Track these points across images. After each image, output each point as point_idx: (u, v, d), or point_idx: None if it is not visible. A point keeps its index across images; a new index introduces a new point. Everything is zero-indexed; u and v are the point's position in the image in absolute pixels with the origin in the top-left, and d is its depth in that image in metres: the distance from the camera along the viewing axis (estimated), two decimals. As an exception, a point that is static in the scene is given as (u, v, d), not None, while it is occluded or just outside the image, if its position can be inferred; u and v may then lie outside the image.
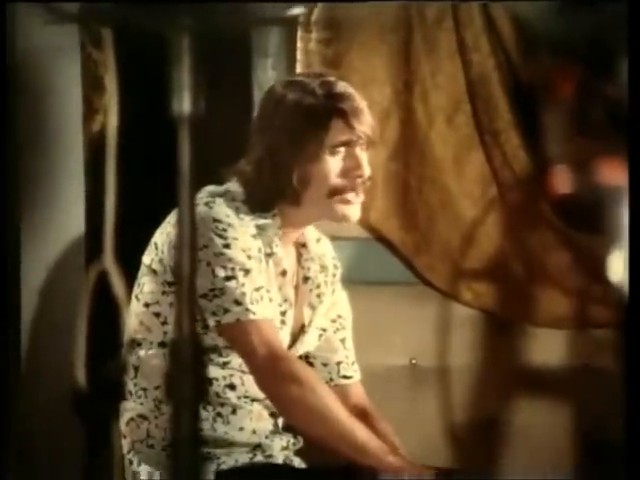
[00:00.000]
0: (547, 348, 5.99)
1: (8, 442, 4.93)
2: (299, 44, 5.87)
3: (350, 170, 4.97)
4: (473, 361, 6.01)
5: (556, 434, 6.07)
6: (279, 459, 4.94)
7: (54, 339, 5.31)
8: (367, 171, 5.00)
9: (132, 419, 4.88)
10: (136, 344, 4.79)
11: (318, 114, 4.94)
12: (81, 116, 5.56)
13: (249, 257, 4.82)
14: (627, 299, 3.71)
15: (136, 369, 4.82)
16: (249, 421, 4.93)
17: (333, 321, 5.15)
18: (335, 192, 4.98)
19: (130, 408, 4.85)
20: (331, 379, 5.12)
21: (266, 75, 5.72)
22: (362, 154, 4.97)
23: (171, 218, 4.69)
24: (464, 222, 5.96)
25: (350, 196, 5.02)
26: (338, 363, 5.16)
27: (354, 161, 4.97)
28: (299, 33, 5.85)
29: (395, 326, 5.88)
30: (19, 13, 5.00)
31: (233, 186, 4.88)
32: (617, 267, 3.51)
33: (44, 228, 5.59)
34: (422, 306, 5.94)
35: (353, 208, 5.04)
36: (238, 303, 4.76)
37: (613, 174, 3.65)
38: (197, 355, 3.32)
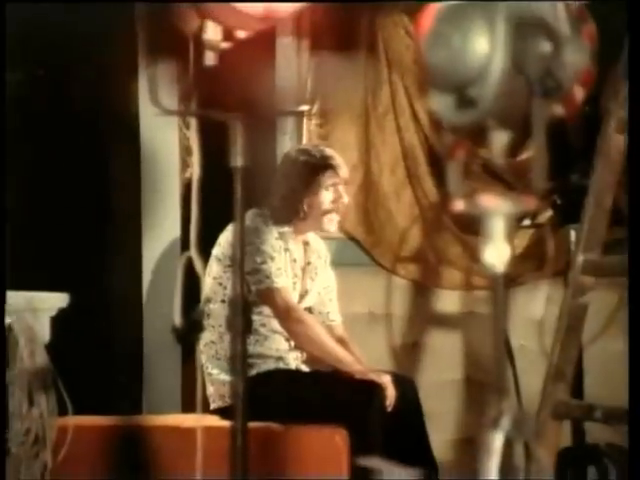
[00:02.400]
0: (448, 301, 5.96)
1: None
2: (305, 126, 5.91)
3: (336, 201, 5.19)
4: (406, 310, 5.97)
5: (455, 350, 5.95)
6: (292, 366, 5.15)
7: (165, 296, 4.62)
8: (346, 200, 5.23)
9: (206, 343, 4.98)
10: (208, 300, 4.88)
11: (317, 167, 5.18)
12: (178, 168, 5.61)
13: (274, 251, 4.98)
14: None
15: (209, 315, 4.93)
16: (274, 344, 5.06)
17: (324, 288, 5.33)
18: (326, 212, 5.18)
19: (206, 337, 4.97)
20: (323, 321, 5.25)
21: (285, 144, 5.76)
22: (343, 191, 5.21)
23: (229, 228, 4.84)
24: (400, 229, 5.95)
25: (334, 215, 5.20)
26: (327, 312, 5.32)
27: (338, 194, 5.20)
28: (305, 120, 5.85)
29: (360, 289, 5.89)
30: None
31: (266, 210, 5.04)
32: (488, 255, 3.03)
33: (158, 234, 5.59)
34: (376, 277, 5.96)
35: (335, 223, 5.23)
36: (267, 277, 4.93)
37: (488, 202, 3.46)
38: (244, 307, 3.42)
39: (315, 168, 5.16)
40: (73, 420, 4.38)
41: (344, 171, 5.22)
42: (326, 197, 5.16)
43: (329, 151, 5.29)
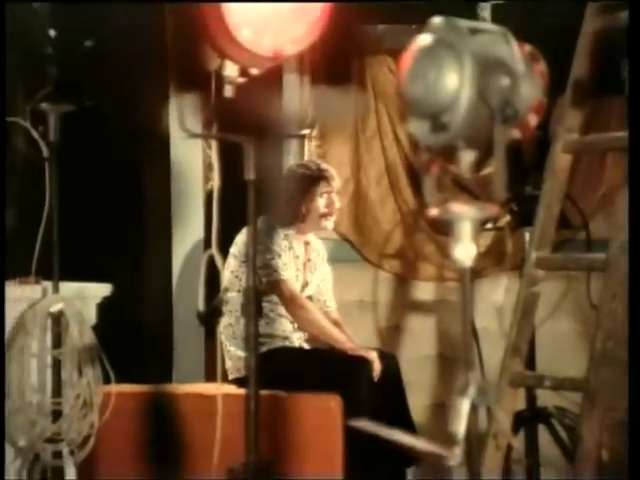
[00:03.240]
0: (424, 291, 5.91)
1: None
2: (306, 146, 5.84)
3: (329, 205, 5.17)
4: (389, 298, 5.92)
5: (430, 331, 5.90)
6: (296, 344, 5.14)
7: (191, 287, 4.57)
8: (337, 205, 5.21)
9: (225, 325, 4.96)
10: (227, 290, 4.88)
11: (312, 179, 5.16)
12: (202, 181, 5.55)
13: (280, 249, 4.97)
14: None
15: (227, 302, 4.93)
16: (281, 326, 5.04)
17: (322, 280, 5.30)
18: (323, 216, 5.17)
19: (224, 320, 4.97)
20: (321, 307, 5.23)
21: (289, 161, 5.72)
22: (335, 198, 5.19)
23: (243, 230, 4.80)
24: (384, 231, 5.91)
25: (330, 218, 5.18)
26: (325, 300, 5.30)
27: (331, 201, 5.18)
28: (306, 141, 5.79)
29: (352, 281, 5.83)
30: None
31: (273, 216, 5.01)
32: (458, 252, 3.03)
33: (185, 235, 5.56)
34: (364, 271, 5.91)
35: (330, 224, 5.22)
36: (275, 271, 4.92)
37: (457, 209, 3.39)
38: (256, 295, 3.41)
39: (311, 179, 5.14)
40: (115, 388, 4.34)
41: (336, 182, 5.20)
42: (321, 203, 5.13)
43: (323, 165, 5.27)
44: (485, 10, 4.17)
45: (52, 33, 3.99)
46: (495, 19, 4.20)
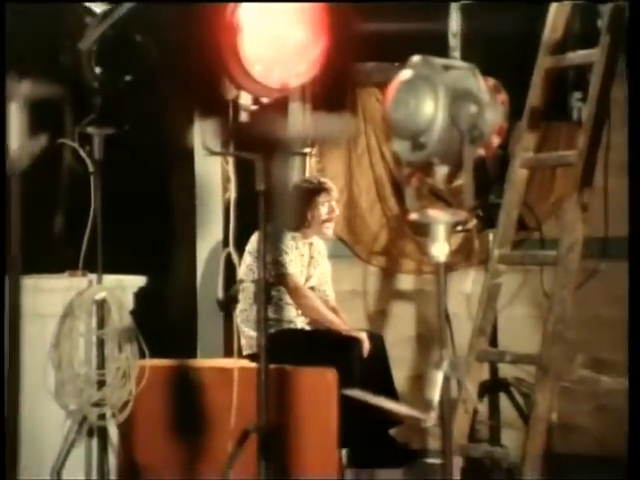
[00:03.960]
0: (406, 282, 5.87)
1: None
2: (307, 162, 5.78)
3: (330, 212, 5.14)
4: (376, 288, 5.90)
5: (410, 316, 5.86)
6: (299, 326, 5.08)
7: (212, 278, 5.08)
8: (337, 212, 5.19)
9: (241, 310, 4.90)
10: (242, 281, 4.81)
11: (315, 190, 5.14)
12: (221, 191, 5.48)
13: (288, 248, 4.94)
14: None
15: (242, 291, 4.87)
16: (287, 312, 5.00)
17: (322, 273, 5.26)
18: (324, 222, 5.13)
19: (240, 306, 4.91)
20: (321, 296, 5.18)
21: (293, 174, 5.60)
22: (335, 205, 5.16)
23: (256, 232, 4.67)
24: (372, 233, 5.89)
25: (330, 224, 5.15)
26: (324, 290, 5.25)
27: (331, 208, 5.15)
28: (307, 158, 5.73)
29: (346, 274, 5.79)
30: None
31: (282, 222, 5.01)
32: (433, 250, 3.09)
33: (208, 236, 5.51)
34: (356, 266, 5.89)
35: (330, 229, 5.18)
36: (283, 266, 4.89)
37: (433, 214, 3.28)
38: (266, 286, 3.45)
39: (314, 191, 5.12)
40: (149, 362, 4.35)
41: (334, 193, 5.19)
42: (322, 210, 5.10)
43: (323, 179, 5.28)
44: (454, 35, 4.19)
45: (97, 70, 4.00)
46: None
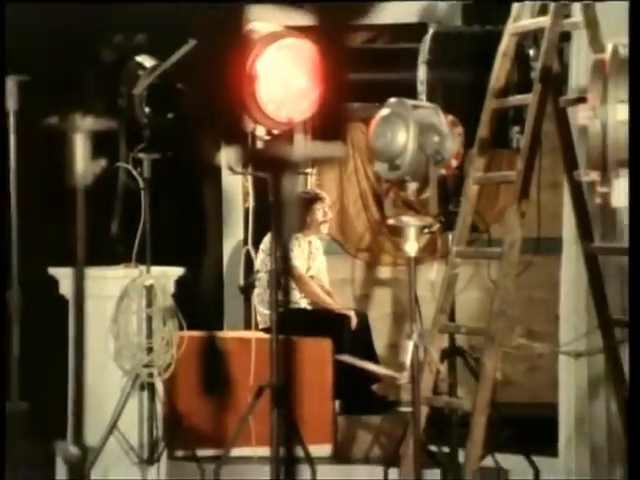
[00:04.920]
0: (385, 272, 5.82)
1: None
2: (309, 179, 5.64)
3: (324, 216, 5.09)
4: (362, 277, 5.82)
5: (388, 298, 5.82)
6: (302, 306, 5.04)
7: (235, 269, 4.94)
8: (330, 216, 5.15)
9: (257, 294, 4.84)
10: (258, 271, 4.73)
11: (313, 200, 5.08)
12: (241, 202, 5.25)
13: (293, 246, 4.88)
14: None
15: (258, 279, 4.78)
16: (292, 295, 4.92)
17: (319, 265, 5.20)
18: (320, 224, 5.08)
19: (256, 291, 4.85)
20: (318, 283, 5.13)
21: (298, 189, 5.35)
22: (328, 211, 5.12)
23: (268, 234, 4.71)
24: (359, 234, 5.80)
25: (324, 225, 5.11)
26: (321, 278, 5.19)
27: (325, 214, 5.10)
28: (308, 176, 5.57)
29: (338, 266, 5.66)
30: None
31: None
32: (407, 247, 3.10)
33: (231, 236, 5.37)
34: (346, 260, 5.77)
35: (325, 230, 5.15)
36: (289, 260, 4.71)
37: (406, 220, 3.13)
38: (277, 275, 3.46)
39: (312, 200, 5.08)
40: (186, 333, 4.31)
41: (327, 201, 5.16)
42: (319, 215, 5.07)
43: (318, 191, 5.25)
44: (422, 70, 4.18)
45: (147, 110, 4.01)
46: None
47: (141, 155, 4.14)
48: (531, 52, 3.83)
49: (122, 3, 3.73)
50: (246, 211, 5.06)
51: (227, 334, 4.93)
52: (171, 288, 4.48)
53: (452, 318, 4.01)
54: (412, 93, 3.99)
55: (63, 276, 4.15)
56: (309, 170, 5.19)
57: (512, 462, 4.10)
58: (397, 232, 3.85)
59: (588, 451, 4.12)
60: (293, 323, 4.86)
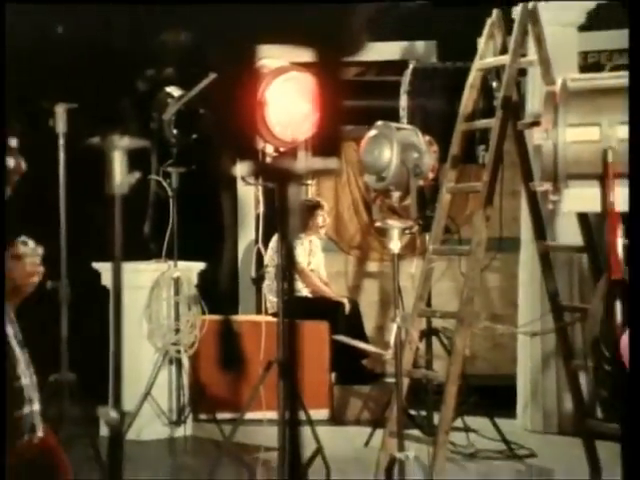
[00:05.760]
0: (373, 266, 5.75)
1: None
2: (309, 189, 5.55)
3: (323, 220, 5.06)
4: (353, 271, 5.78)
5: (375, 288, 5.74)
6: (304, 294, 4.98)
7: (248, 264, 4.91)
8: (328, 220, 5.13)
9: (266, 285, 4.86)
10: (267, 266, 4.74)
11: (313, 206, 5.04)
12: (254, 207, 5.12)
13: (297, 245, 4.79)
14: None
15: (267, 272, 4.80)
16: (296, 286, 4.83)
17: (318, 261, 5.16)
18: (319, 227, 5.05)
19: (266, 282, 4.85)
20: (317, 275, 5.10)
21: (301, 197, 5.47)
22: (325, 216, 5.09)
23: (275, 235, 4.61)
24: (351, 235, 5.74)
25: (323, 228, 5.08)
26: (319, 271, 5.16)
27: (324, 218, 5.06)
28: (309, 187, 5.51)
29: (333, 261, 5.60)
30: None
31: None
32: (391, 246, 3.00)
33: (245, 236, 5.30)
34: (340, 256, 5.71)
35: (323, 231, 5.11)
36: (294, 256, 4.81)
37: (391, 223, 3.03)
38: (283, 269, 3.40)
39: (313, 207, 5.06)
40: (207, 317, 4.30)
41: (326, 208, 5.13)
42: (319, 220, 5.04)
43: (318, 199, 5.22)
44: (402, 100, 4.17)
45: (175, 132, 4.02)
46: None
47: (170, 169, 4.15)
48: (494, 84, 3.87)
49: (154, 37, 3.79)
50: (257, 216, 5.08)
51: (241, 318, 4.90)
52: (195, 279, 4.47)
53: (429, 304, 4.00)
54: (395, 118, 4.03)
55: (104, 270, 4.17)
56: (310, 181, 5.18)
57: (478, 423, 4.11)
58: (383, 233, 3.85)
59: (541, 414, 4.18)
60: (296, 309, 5.08)
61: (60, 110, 2.69)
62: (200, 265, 4.51)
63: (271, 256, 4.82)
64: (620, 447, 2.69)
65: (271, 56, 3.04)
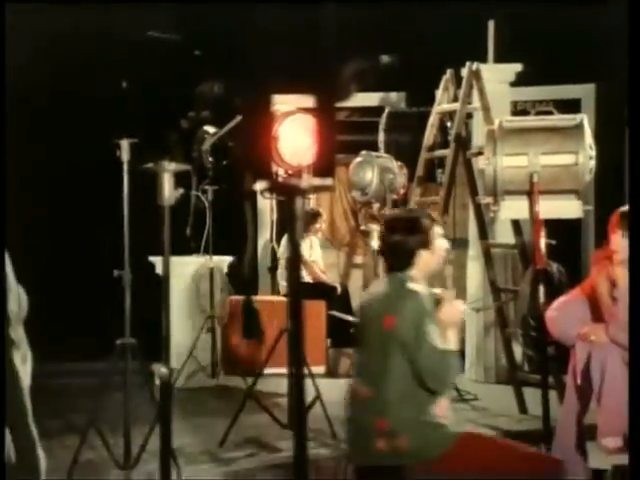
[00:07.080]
0: (358, 259, 5.49)
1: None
2: (310, 200, 5.45)
3: (321, 224, 4.98)
4: (343, 262, 5.52)
5: (360, 275, 5.44)
6: (306, 280, 4.87)
7: (265, 258, 4.79)
8: (324, 225, 5.04)
9: (279, 272, 4.67)
10: (279, 258, 4.63)
11: (314, 215, 4.95)
12: (269, 214, 4.66)
13: (301, 242, 4.80)
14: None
15: (280, 263, 4.65)
16: (301, 274, 4.83)
17: (317, 254, 5.07)
18: (318, 229, 4.97)
19: (279, 271, 4.71)
20: (317, 266, 5.01)
21: (303, 207, 5.40)
22: (322, 222, 5.00)
23: (286, 235, 4.41)
24: (342, 235, 5.51)
25: (321, 231, 5.00)
26: (318, 262, 5.05)
27: (321, 223, 4.98)
28: (310, 199, 5.41)
29: (330, 256, 5.36)
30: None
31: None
32: (372, 244, 3.13)
33: (262, 237, 5.08)
34: (333, 252, 5.46)
35: (321, 232, 5.03)
36: (299, 251, 4.76)
37: (372, 226, 3.11)
38: (290, 260, 3.35)
39: (313, 214, 4.98)
40: (234, 297, 4.31)
41: (323, 216, 5.06)
42: (318, 224, 4.97)
43: (317, 208, 5.15)
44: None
45: (210, 159, 4.01)
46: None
47: (206, 187, 4.11)
48: (448, 124, 3.88)
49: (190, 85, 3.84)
50: (272, 221, 5.03)
51: (260, 298, 4.78)
52: (225, 269, 4.43)
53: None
54: (375, 148, 4.04)
55: (157, 262, 4.12)
56: (311, 195, 5.13)
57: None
58: (366, 234, 3.92)
59: (483, 368, 4.17)
60: (302, 291, 5.03)
61: (124, 144, 2.71)
62: (229, 258, 4.47)
63: (282, 251, 4.76)
64: (540, 392, 2.74)
65: (282, 102, 3.02)
